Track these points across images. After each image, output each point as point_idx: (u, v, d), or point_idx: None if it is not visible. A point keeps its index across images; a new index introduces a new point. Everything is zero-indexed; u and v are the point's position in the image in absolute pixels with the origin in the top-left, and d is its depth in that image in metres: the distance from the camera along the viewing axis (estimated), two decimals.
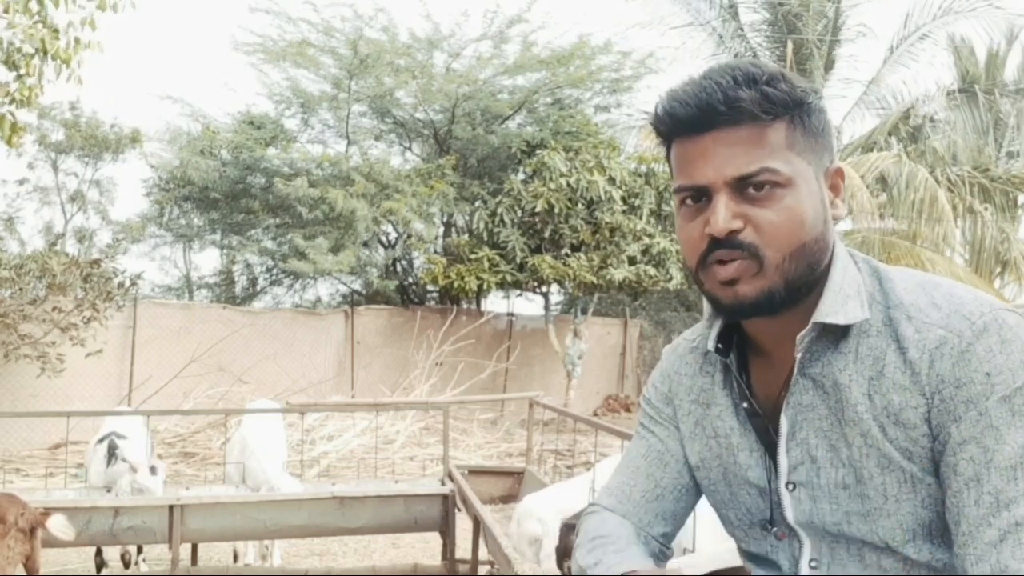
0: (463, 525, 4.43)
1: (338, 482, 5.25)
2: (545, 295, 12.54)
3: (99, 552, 4.72)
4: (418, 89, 12.08)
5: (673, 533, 1.19)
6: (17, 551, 3.12)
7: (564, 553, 2.89)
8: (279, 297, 13.80)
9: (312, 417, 8.46)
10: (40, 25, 4.64)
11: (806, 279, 0.98)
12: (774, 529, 1.07)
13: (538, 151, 11.68)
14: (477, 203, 12.45)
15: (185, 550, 4.34)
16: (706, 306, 1.09)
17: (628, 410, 13.71)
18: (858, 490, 0.98)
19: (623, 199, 11.21)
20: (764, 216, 0.96)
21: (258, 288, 13.87)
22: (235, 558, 5.10)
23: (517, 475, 5.40)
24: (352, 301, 13.02)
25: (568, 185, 10.94)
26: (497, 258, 11.34)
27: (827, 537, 1.02)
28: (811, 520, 1.02)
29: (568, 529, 2.90)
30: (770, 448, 1.06)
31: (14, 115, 4.87)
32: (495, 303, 13.81)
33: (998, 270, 13.15)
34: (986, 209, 12.50)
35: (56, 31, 4.70)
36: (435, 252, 12.52)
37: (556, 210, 10.98)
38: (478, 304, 13.44)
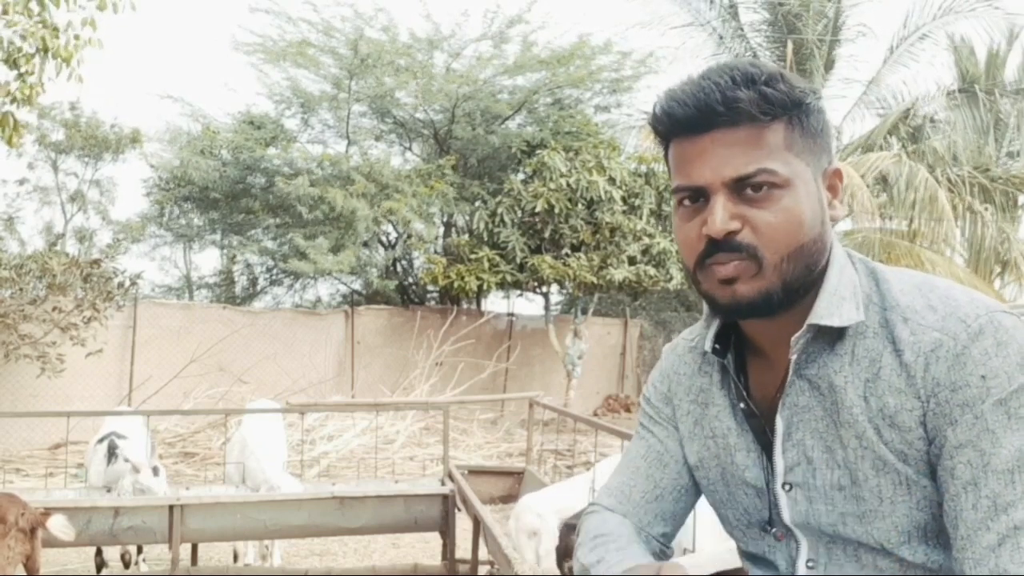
0: (463, 525, 4.43)
1: (338, 482, 5.25)
2: (545, 295, 12.54)
3: (99, 552, 4.73)
4: (418, 89, 12.08)
5: (673, 533, 1.19)
6: (17, 551, 3.13)
7: (565, 553, 2.89)
8: (279, 297, 13.81)
9: (312, 417, 8.46)
10: (40, 24, 4.64)
11: (804, 280, 0.98)
12: (772, 530, 1.07)
13: (538, 151, 11.69)
14: (477, 203, 12.46)
15: (185, 550, 4.35)
16: (705, 306, 1.09)
17: (628, 410, 13.71)
18: (853, 492, 0.98)
19: (623, 199, 11.21)
20: (762, 217, 0.95)
21: (258, 288, 13.88)
22: (235, 558, 5.10)
23: (517, 475, 5.40)
24: (352, 301, 13.03)
25: (568, 185, 10.94)
26: (497, 258, 11.34)
27: (824, 538, 1.02)
28: (807, 521, 1.02)
29: (569, 529, 2.91)
30: (767, 449, 1.06)
31: (14, 115, 4.88)
32: (495, 303, 13.83)
33: (998, 270, 13.14)
34: (986, 209, 12.50)
35: (56, 29, 4.71)
36: (435, 252, 12.53)
37: (556, 210, 10.99)
38: (478, 304, 13.44)
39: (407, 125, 13.30)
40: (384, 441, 8.49)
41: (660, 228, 11.62)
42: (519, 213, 11.30)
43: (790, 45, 13.49)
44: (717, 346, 1.09)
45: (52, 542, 3.34)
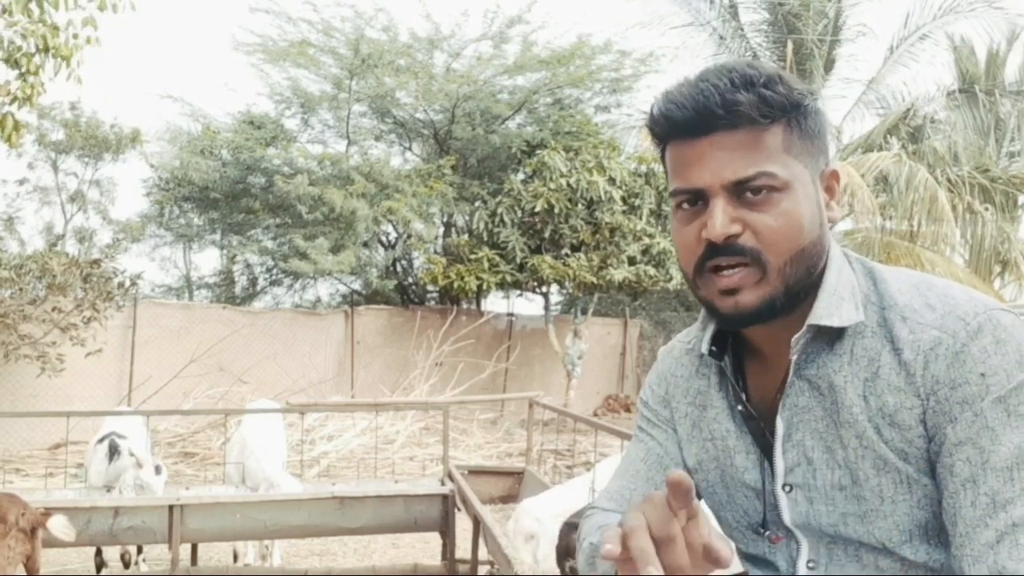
0: (463, 525, 4.43)
1: (338, 482, 5.25)
2: (545, 295, 12.54)
3: (99, 552, 4.73)
4: (418, 89, 12.08)
5: None
6: (18, 551, 3.13)
7: (565, 552, 2.89)
8: (279, 297, 13.81)
9: (312, 417, 8.46)
10: (40, 23, 4.65)
11: (804, 283, 0.98)
12: (766, 532, 1.07)
13: (538, 151, 11.69)
14: (477, 203, 12.46)
15: (185, 550, 4.35)
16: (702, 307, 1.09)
17: (628, 410, 13.71)
18: (854, 491, 0.98)
19: (623, 199, 11.22)
20: (762, 221, 0.95)
21: (258, 288, 13.88)
22: (235, 558, 5.10)
23: (517, 475, 5.41)
24: (352, 301, 13.03)
25: (568, 185, 10.94)
26: (497, 258, 11.35)
27: (824, 538, 1.02)
28: (808, 522, 1.02)
29: (570, 528, 2.91)
30: (766, 450, 1.05)
31: (14, 115, 4.88)
32: (495, 303, 13.84)
33: (998, 270, 13.14)
34: (986, 209, 12.50)
35: (56, 28, 4.71)
36: (435, 252, 12.53)
37: (556, 210, 10.99)
38: (478, 304, 13.44)
39: (407, 125, 13.30)
40: (384, 441, 8.50)
41: (660, 228, 11.62)
42: (519, 213, 11.30)
43: (790, 45, 13.49)
44: (714, 348, 1.08)
45: (52, 542, 3.34)
